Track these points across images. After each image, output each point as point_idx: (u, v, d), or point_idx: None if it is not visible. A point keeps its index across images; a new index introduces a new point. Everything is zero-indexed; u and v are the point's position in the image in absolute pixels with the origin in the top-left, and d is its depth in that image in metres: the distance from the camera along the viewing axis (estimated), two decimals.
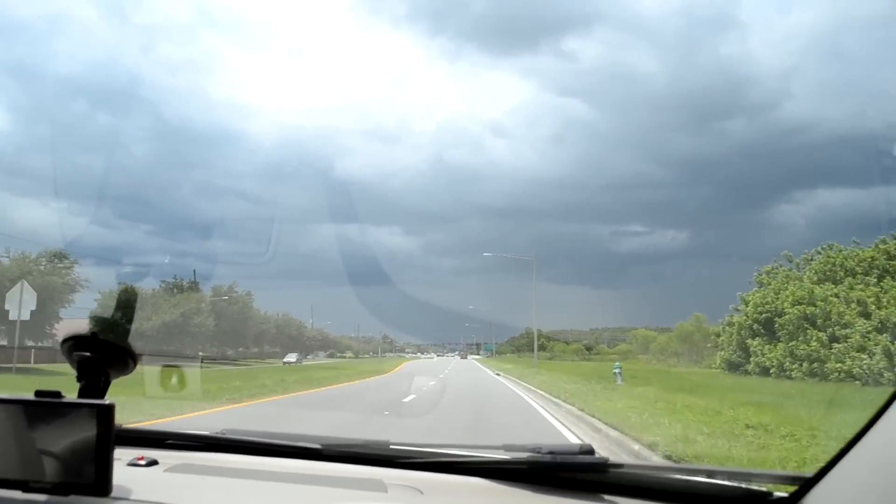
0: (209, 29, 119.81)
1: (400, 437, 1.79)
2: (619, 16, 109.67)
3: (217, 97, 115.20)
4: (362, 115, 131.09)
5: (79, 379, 1.31)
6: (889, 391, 1.04)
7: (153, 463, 1.55)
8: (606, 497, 1.39)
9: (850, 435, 1.09)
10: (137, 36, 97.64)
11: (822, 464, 1.18)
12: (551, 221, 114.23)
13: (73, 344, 1.32)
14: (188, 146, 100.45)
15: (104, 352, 1.32)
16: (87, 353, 1.31)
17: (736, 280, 77.05)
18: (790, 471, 1.53)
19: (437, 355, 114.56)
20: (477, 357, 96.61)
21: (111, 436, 1.13)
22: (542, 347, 71.28)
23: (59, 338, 1.83)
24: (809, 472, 1.24)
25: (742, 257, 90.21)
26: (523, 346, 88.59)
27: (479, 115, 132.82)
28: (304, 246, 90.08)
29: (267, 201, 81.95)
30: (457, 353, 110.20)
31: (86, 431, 1.13)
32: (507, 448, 1.57)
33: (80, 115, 79.11)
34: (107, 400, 1.17)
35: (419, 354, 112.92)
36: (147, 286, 39.49)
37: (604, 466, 1.40)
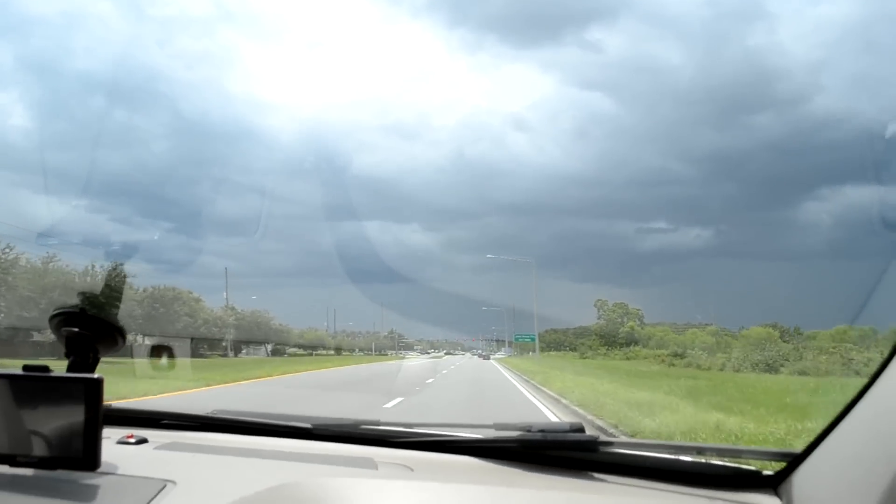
0: (226, 22, 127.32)
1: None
2: (644, 6, 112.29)
3: (235, 92, 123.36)
4: (382, 110, 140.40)
5: (67, 354, 1.39)
6: (874, 368, 1.13)
7: (143, 441, 1.63)
8: (596, 475, 1.48)
9: (837, 411, 1.18)
10: (154, 30, 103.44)
11: (810, 440, 1.26)
12: (573, 218, 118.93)
13: (62, 319, 1.38)
14: (206, 142, 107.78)
15: (93, 328, 1.39)
16: (76, 329, 1.37)
17: (759, 279, 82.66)
18: (779, 447, 1.58)
19: (447, 353, 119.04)
20: (500, 356, 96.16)
21: (99, 410, 1.21)
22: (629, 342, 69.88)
23: None
24: (798, 448, 1.32)
25: (766, 256, 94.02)
26: (563, 342, 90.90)
27: (500, 110, 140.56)
28: (323, 243, 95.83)
29: (285, 198, 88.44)
30: (476, 351, 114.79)
31: (74, 406, 1.20)
32: (498, 427, 1.65)
33: (98, 111, 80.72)
34: (95, 374, 1.24)
35: (418, 353, 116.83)
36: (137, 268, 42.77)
37: (593, 444, 1.49)
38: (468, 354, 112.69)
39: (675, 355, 45.96)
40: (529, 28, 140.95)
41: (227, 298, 74.90)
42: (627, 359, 53.31)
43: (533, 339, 67.40)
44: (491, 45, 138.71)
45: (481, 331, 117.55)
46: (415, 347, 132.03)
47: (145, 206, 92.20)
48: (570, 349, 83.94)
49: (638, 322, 68.43)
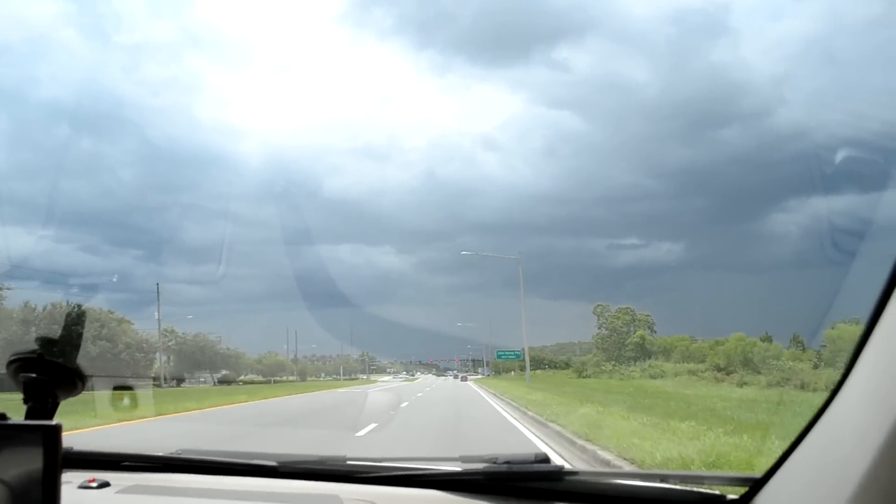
0: (193, 48, 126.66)
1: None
2: (610, 24, 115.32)
3: (203, 118, 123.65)
4: (351, 133, 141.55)
5: (25, 401, 1.35)
6: (829, 391, 1.14)
7: (105, 485, 1.61)
8: None
9: (794, 435, 1.20)
10: (120, 57, 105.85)
11: (770, 464, 1.29)
12: (545, 236, 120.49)
13: (20, 365, 1.35)
14: (174, 169, 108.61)
15: (51, 373, 1.35)
16: (34, 375, 1.34)
17: (730, 292, 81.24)
18: (740, 472, 1.65)
19: (421, 375, 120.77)
20: (477, 377, 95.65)
21: (58, 457, 1.18)
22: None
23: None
24: (758, 472, 1.34)
25: (736, 268, 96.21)
26: (541, 360, 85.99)
27: (470, 130, 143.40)
28: (294, 267, 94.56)
29: (255, 223, 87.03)
30: (452, 373, 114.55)
31: (32, 453, 1.17)
32: (464, 459, 1.68)
33: (64, 139, 78.99)
34: (53, 421, 1.22)
35: (391, 376, 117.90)
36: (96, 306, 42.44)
37: (559, 474, 1.51)
38: (444, 376, 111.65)
39: (719, 369, 36.57)
40: (497, 48, 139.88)
41: (159, 319, 64.15)
42: (652, 377, 42.81)
43: (519, 357, 58.29)
44: (459, 67, 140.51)
45: (457, 352, 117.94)
46: (388, 370, 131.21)
47: (113, 235, 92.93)
48: (552, 367, 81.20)
49: (648, 330, 57.87)
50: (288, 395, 33.71)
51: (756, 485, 1.33)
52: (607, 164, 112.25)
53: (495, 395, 28.90)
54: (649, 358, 51.54)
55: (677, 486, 1.50)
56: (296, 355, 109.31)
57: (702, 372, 38.48)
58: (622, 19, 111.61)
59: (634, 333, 56.57)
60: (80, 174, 78.04)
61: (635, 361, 51.79)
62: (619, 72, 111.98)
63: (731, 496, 1.41)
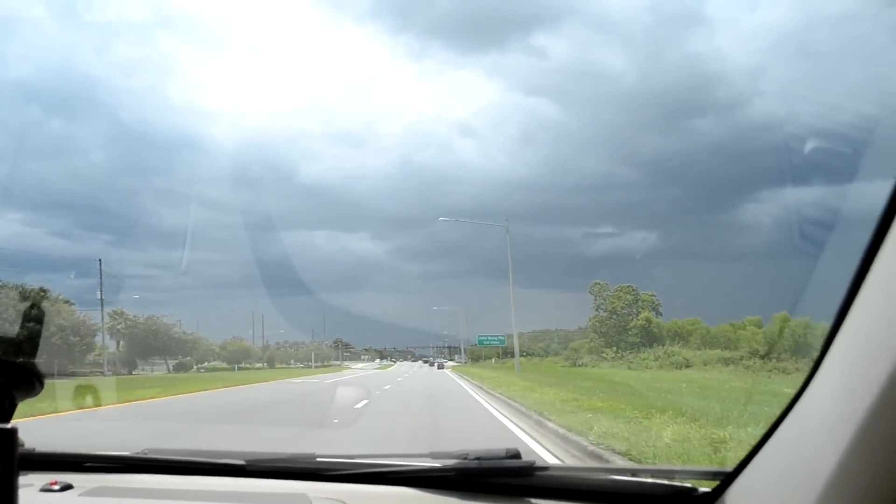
0: (165, 28, 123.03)
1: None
2: (587, 12, 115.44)
3: (176, 100, 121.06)
4: (327, 118, 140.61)
5: None
6: (798, 386, 1.15)
7: (67, 487, 1.57)
8: (533, 500, 1.49)
9: (764, 429, 1.22)
10: (91, 36, 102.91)
11: (740, 458, 1.29)
12: (520, 224, 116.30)
13: None
14: (146, 151, 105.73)
15: (8, 373, 1.31)
16: None
17: (703, 280, 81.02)
18: (711, 466, 1.74)
19: (395, 362, 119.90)
20: (453, 364, 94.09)
21: (14, 462, 1.13)
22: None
23: None
24: (729, 466, 1.35)
25: (709, 258, 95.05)
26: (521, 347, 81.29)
27: (446, 116, 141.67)
28: (269, 253, 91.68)
29: (229, 208, 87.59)
30: (427, 359, 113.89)
31: None
32: (435, 455, 1.67)
33: (34, 120, 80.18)
34: (9, 424, 1.16)
35: (364, 363, 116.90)
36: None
37: (529, 470, 1.51)
38: (419, 363, 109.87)
39: (761, 356, 30.26)
40: (474, 34, 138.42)
41: (101, 299, 57.21)
42: (675, 366, 35.74)
43: (503, 343, 52.41)
44: (436, 52, 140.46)
45: (432, 338, 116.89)
46: (362, 357, 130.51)
47: (84, 219, 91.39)
48: (531, 355, 77.27)
49: (654, 312, 50.43)
50: (239, 386, 29.30)
51: (727, 478, 1.34)
52: (583, 152, 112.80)
53: (484, 389, 22.62)
54: (654, 343, 45.08)
55: (648, 480, 1.50)
56: (264, 341, 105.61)
57: (739, 360, 32.54)
58: (599, 7, 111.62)
59: (639, 316, 49.28)
60: (50, 156, 79.36)
61: (640, 348, 45.25)
62: (596, 60, 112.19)
63: (702, 489, 1.42)
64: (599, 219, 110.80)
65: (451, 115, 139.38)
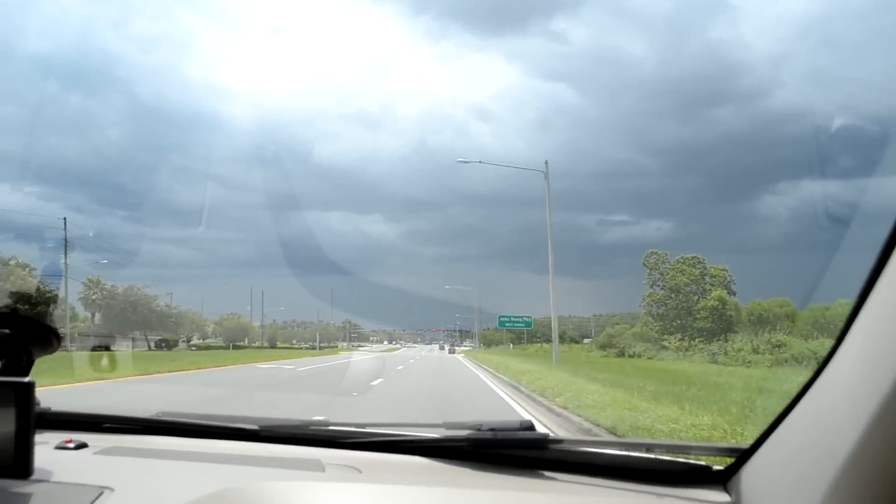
0: (184, 5, 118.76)
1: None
2: None
3: (193, 77, 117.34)
4: (344, 99, 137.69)
5: None
6: (816, 365, 1.13)
7: (82, 446, 1.58)
8: (546, 473, 1.48)
9: (781, 407, 1.19)
10: (110, 11, 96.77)
11: (756, 436, 1.28)
12: (536, 210, 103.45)
13: None
14: (163, 128, 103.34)
15: (26, 329, 1.34)
16: (7, 331, 1.32)
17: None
18: (727, 443, 1.63)
19: (406, 345, 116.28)
20: (465, 348, 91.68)
21: (31, 415, 1.17)
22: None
23: None
24: (745, 444, 1.33)
25: (726, 249, 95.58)
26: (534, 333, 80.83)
27: (464, 100, 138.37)
28: (283, 233, 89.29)
29: (243, 186, 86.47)
30: (438, 342, 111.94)
31: (4, 411, 1.15)
32: (448, 426, 1.64)
33: (52, 95, 77.61)
34: (26, 378, 1.20)
35: (371, 345, 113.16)
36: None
37: (543, 442, 1.50)
38: (430, 346, 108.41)
39: None
40: (494, 17, 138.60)
41: (66, 264, 49.44)
42: (799, 362, 23.81)
43: (528, 325, 43.81)
44: (455, 34, 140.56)
45: (444, 321, 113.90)
46: (371, 338, 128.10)
47: (100, 194, 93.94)
48: (548, 341, 67.13)
49: (726, 290, 39.66)
50: (201, 370, 23.25)
51: (743, 455, 1.32)
52: (601, 138, 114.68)
53: (522, 390, 14.61)
54: (729, 329, 35.07)
55: (663, 456, 1.49)
56: (262, 319, 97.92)
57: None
58: None
59: (710, 294, 38.67)
60: (68, 131, 79.71)
61: (715, 334, 34.94)
62: (616, 46, 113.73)
63: (717, 467, 1.41)
64: (615, 206, 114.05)
65: (468, 99, 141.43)
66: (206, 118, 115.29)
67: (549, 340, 73.47)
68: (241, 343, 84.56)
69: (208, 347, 70.67)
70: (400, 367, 26.84)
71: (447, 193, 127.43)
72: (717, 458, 1.45)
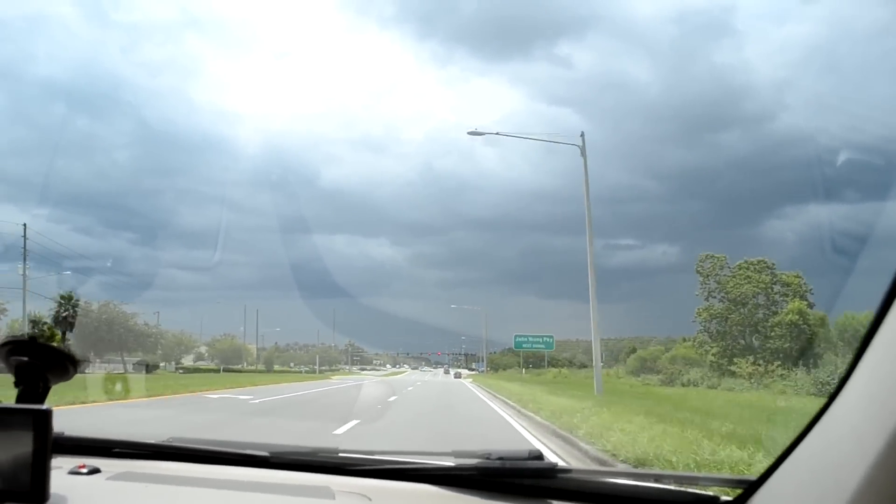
0: (192, 30, 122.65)
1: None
2: (613, 22, 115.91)
3: (200, 101, 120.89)
4: (349, 123, 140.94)
5: (16, 384, 1.34)
6: (825, 398, 1.14)
7: (95, 471, 1.58)
8: (555, 502, 1.47)
9: (790, 439, 1.20)
10: (118, 36, 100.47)
11: (765, 467, 1.28)
12: (540, 234, 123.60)
13: (11, 348, 1.34)
14: (170, 152, 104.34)
15: (43, 357, 1.34)
16: (25, 358, 1.33)
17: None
18: (735, 474, 1.70)
19: (410, 368, 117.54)
20: (468, 373, 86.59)
21: (48, 442, 1.17)
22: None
23: None
24: (753, 475, 1.33)
25: None
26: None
27: (469, 124, 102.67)
28: (289, 256, 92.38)
29: (249, 209, 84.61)
30: (442, 366, 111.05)
31: (22, 437, 1.16)
32: (457, 454, 1.65)
33: (60, 118, 78.90)
34: (44, 406, 1.21)
35: (374, 368, 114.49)
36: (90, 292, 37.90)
37: (552, 472, 1.48)
38: (434, 371, 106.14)
39: None
40: (499, 42, 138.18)
41: (24, 271, 43.98)
42: None
43: (549, 346, 37.23)
44: (460, 59, 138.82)
45: (448, 345, 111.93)
46: (374, 362, 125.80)
47: (107, 217, 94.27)
48: (556, 365, 70.89)
49: (805, 302, 31.31)
50: (136, 399, 18.84)
51: (751, 487, 1.32)
52: (605, 163, 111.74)
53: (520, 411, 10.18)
54: (810, 349, 27.47)
55: (671, 487, 1.49)
56: (259, 341, 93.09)
57: None
58: (625, 17, 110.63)
59: (783, 308, 30.40)
60: (76, 154, 79.13)
61: (791, 358, 27.35)
62: (621, 70, 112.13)
63: (725, 497, 1.40)
64: (621, 231, 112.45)
65: (473, 123, 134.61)
66: (212, 142, 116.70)
67: (561, 365, 70.84)
68: (236, 366, 79.39)
69: (197, 370, 65.37)
70: (392, 399, 20.56)
71: (452, 217, 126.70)
72: (726, 489, 1.43)
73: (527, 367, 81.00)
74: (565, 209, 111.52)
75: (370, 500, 1.45)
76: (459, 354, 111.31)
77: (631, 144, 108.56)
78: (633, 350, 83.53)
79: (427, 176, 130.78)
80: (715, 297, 32.89)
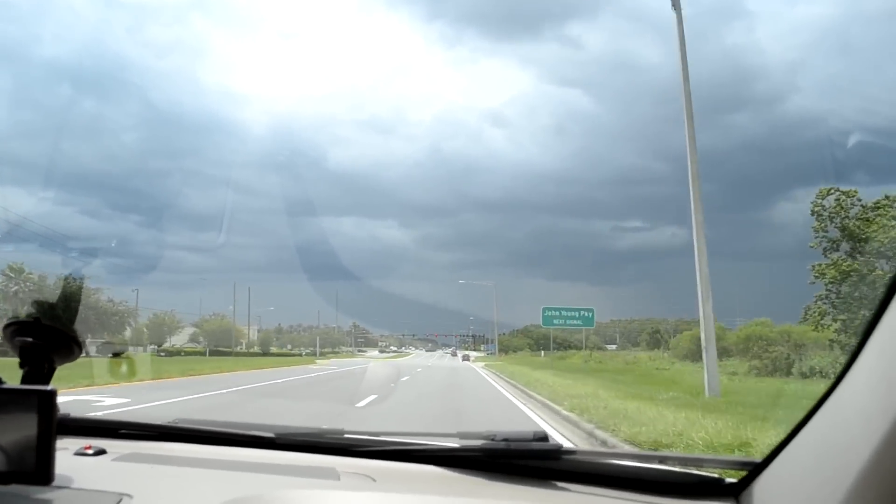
0: (198, 10, 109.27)
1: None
2: (622, 2, 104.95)
3: (207, 83, 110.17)
4: (357, 104, 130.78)
5: (21, 365, 1.36)
6: (830, 380, 1.12)
7: (101, 452, 1.57)
8: (559, 483, 1.47)
9: (795, 421, 1.18)
10: (124, 17, 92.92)
11: (769, 449, 1.27)
12: (549, 216, 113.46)
13: (16, 329, 1.34)
14: (177, 133, 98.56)
15: (48, 337, 1.35)
16: (30, 339, 1.34)
17: (732, 279, 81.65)
18: (740, 456, 1.68)
19: (416, 350, 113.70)
20: (477, 355, 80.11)
21: (53, 422, 1.17)
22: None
23: None
24: (758, 457, 1.33)
25: (741, 256, 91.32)
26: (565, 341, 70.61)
27: (478, 105, 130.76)
28: (296, 238, 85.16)
29: (257, 192, 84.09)
30: (450, 349, 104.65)
31: (27, 418, 1.16)
32: (462, 436, 1.63)
33: (66, 100, 73.48)
34: (49, 386, 1.20)
35: (378, 351, 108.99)
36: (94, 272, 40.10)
37: (557, 453, 1.48)
38: (441, 353, 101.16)
39: None
40: (509, 22, 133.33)
41: None
42: None
43: (589, 322, 28.52)
44: (469, 39, 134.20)
45: (457, 327, 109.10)
46: (379, 344, 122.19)
47: (114, 199, 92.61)
48: (564, 347, 65.28)
49: None
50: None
51: (755, 469, 1.31)
52: (615, 145, 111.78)
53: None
54: None
55: (675, 468, 1.48)
56: (251, 322, 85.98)
57: None
58: None
59: None
60: (82, 136, 75.85)
61: None
62: (631, 51, 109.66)
63: (729, 480, 1.40)
64: (629, 213, 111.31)
65: (482, 105, 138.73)
66: (219, 123, 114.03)
67: (563, 347, 65.19)
68: (227, 348, 71.38)
69: (179, 353, 59.05)
70: (371, 399, 12.93)
71: (460, 199, 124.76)
72: (730, 471, 1.43)
73: (536, 349, 75.97)
74: (573, 190, 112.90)
75: (374, 480, 1.47)
76: (467, 336, 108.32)
77: (641, 126, 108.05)
78: (656, 331, 78.89)
79: (435, 157, 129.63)
80: (846, 248, 21.62)
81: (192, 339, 78.09)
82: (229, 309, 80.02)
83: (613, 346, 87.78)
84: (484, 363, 49.16)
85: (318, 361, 52.86)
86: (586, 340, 70.49)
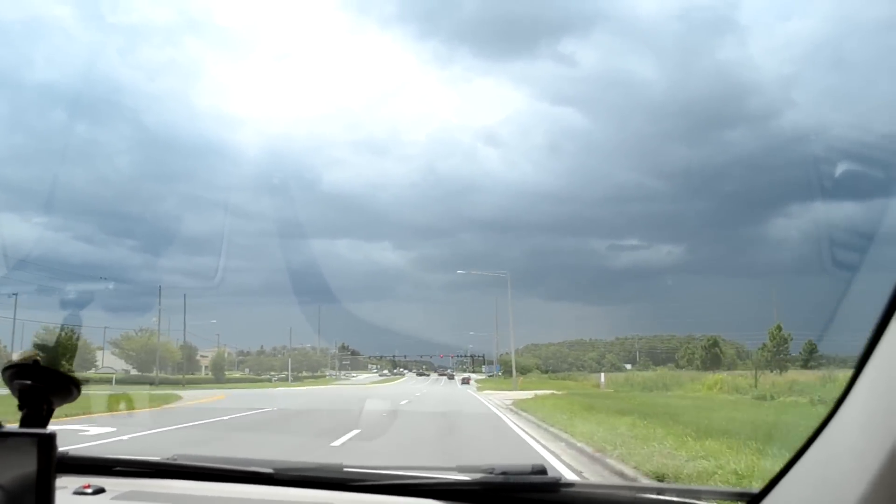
0: (191, 32, 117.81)
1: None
2: (617, 19, 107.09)
3: (200, 105, 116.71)
4: (351, 125, 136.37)
5: (20, 407, 1.37)
6: (827, 409, 1.15)
7: (100, 491, 1.61)
8: None
9: (793, 451, 1.21)
10: (116, 39, 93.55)
11: (768, 479, 1.29)
12: (545, 235, 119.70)
13: (15, 372, 1.36)
14: (171, 157, 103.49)
15: (46, 379, 1.37)
16: (28, 382, 1.35)
17: (728, 296, 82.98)
18: (737, 487, 1.70)
19: (408, 372, 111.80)
20: (478, 377, 75.27)
21: (52, 465, 1.20)
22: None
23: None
24: (756, 488, 1.35)
25: (737, 272, 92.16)
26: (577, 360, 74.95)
27: (472, 124, 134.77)
28: (291, 261, 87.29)
29: (251, 214, 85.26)
30: (444, 370, 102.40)
31: (26, 461, 1.18)
32: (461, 469, 1.68)
33: (59, 124, 75.91)
34: (48, 429, 1.25)
35: (370, 373, 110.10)
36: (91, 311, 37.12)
37: (555, 486, 1.52)
38: (433, 376, 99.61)
39: None
40: (502, 40, 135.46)
41: None
42: None
43: None
44: (462, 58, 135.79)
45: (454, 348, 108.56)
46: (369, 366, 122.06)
47: (108, 224, 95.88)
48: (573, 370, 64.12)
49: None
50: None
51: (753, 500, 1.32)
52: (610, 162, 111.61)
53: None
54: None
55: (674, 499, 1.48)
56: (186, 338, 72.26)
57: None
58: (630, 14, 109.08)
59: None
60: (75, 160, 78.06)
61: None
62: (625, 68, 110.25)
63: None
64: (625, 231, 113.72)
65: (476, 124, 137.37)
66: (212, 146, 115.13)
67: (575, 369, 69.77)
68: (151, 374, 57.87)
69: (103, 380, 44.57)
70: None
71: (455, 219, 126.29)
72: (728, 502, 1.46)
73: (544, 371, 70.61)
74: (569, 209, 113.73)
75: None
76: (465, 356, 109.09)
77: (636, 143, 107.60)
78: (714, 344, 70.83)
79: (430, 178, 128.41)
80: None
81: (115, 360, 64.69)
82: (228, 336, 79.87)
83: (629, 366, 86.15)
84: (496, 394, 32.52)
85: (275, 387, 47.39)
86: (581, 361, 70.63)
